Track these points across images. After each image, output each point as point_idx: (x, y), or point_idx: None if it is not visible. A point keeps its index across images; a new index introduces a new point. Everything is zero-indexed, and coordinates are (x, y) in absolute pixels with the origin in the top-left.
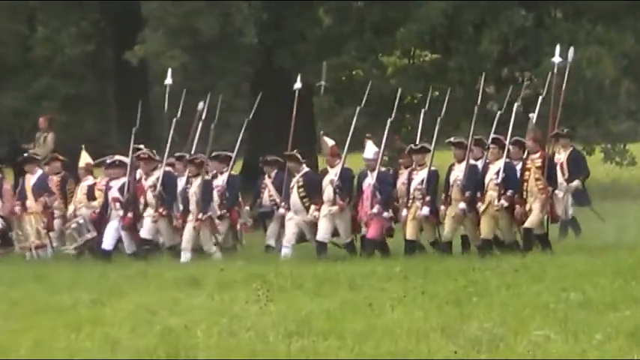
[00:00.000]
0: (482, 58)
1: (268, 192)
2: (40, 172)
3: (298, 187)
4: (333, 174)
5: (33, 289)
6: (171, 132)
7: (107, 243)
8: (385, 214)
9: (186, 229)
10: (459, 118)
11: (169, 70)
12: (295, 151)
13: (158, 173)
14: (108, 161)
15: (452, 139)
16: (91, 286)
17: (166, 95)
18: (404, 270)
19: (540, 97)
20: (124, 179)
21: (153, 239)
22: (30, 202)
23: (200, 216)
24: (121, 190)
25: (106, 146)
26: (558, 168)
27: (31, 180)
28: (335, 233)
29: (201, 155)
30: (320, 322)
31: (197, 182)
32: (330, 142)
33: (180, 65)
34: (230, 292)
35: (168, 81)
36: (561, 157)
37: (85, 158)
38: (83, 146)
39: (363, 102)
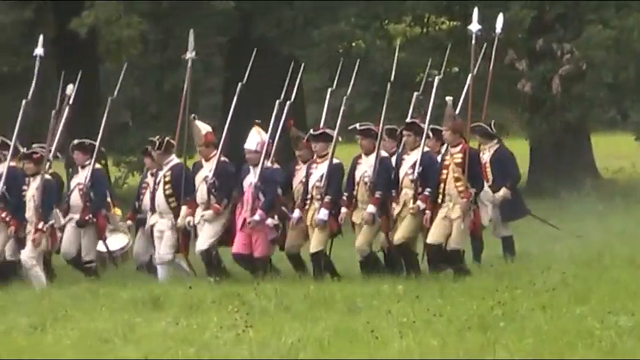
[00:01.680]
0: (511, 27)
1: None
2: None
3: (164, 184)
4: (208, 169)
5: None
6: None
7: None
8: (269, 221)
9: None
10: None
11: (41, 38)
12: (158, 137)
13: (1, 168)
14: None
15: (357, 125)
16: (28, 308)
17: (35, 70)
18: (414, 288)
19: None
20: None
21: None
22: None
23: (40, 225)
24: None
25: (44, 135)
26: None
27: None
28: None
29: (40, 149)
30: (311, 353)
31: (36, 183)
32: (203, 127)
33: (137, 35)
34: (199, 315)
35: (39, 51)
36: (485, 157)
37: None
38: None
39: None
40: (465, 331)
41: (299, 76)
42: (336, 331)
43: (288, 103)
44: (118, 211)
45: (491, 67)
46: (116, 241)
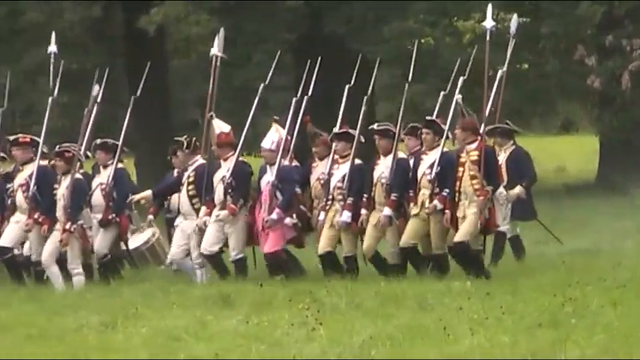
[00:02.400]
0: (581, 23)
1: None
2: None
3: (188, 184)
4: (225, 169)
5: (28, 310)
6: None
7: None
8: (288, 220)
9: (50, 239)
10: (554, 97)
11: (53, 36)
12: (185, 137)
13: (32, 168)
14: None
15: (375, 125)
16: (99, 306)
17: (51, 67)
18: (485, 285)
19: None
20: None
21: (13, 247)
22: None
23: (68, 226)
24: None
25: (114, 132)
26: None
27: None
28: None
29: (72, 147)
30: (382, 350)
31: (66, 182)
32: (222, 126)
33: (206, 32)
34: (270, 313)
35: (52, 48)
36: (500, 158)
37: None
38: None
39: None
40: (535, 328)
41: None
42: (407, 328)
43: (305, 98)
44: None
45: (505, 68)
46: (138, 238)
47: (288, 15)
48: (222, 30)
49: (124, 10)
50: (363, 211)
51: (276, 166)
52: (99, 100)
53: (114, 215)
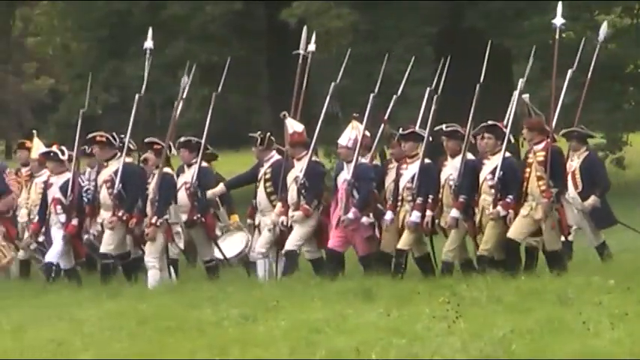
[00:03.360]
0: None
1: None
2: None
3: (265, 181)
4: (298, 169)
5: (167, 302)
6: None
7: (52, 254)
8: (364, 219)
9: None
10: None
11: (150, 31)
12: (259, 133)
13: (117, 165)
14: (40, 152)
15: (443, 126)
16: (239, 299)
17: (146, 63)
18: (625, 280)
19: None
20: (68, 175)
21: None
22: None
23: (154, 220)
24: (63, 188)
25: (254, 125)
26: (570, 178)
27: None
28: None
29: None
30: (522, 344)
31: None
32: (291, 127)
33: (347, 26)
34: (410, 306)
35: (149, 44)
36: (574, 163)
37: (38, 147)
38: (35, 132)
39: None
40: None
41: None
42: (547, 322)
43: (371, 95)
44: (235, 217)
45: (589, 74)
46: (232, 244)
47: (427, 9)
48: (305, 28)
49: (266, 3)
50: (429, 213)
51: (352, 164)
52: (185, 93)
53: (199, 215)
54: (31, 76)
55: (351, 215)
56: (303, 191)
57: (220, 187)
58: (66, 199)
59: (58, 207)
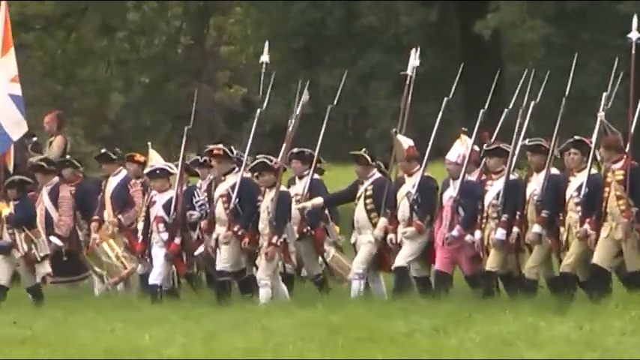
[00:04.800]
0: None
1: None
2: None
3: (365, 198)
4: (411, 185)
5: (358, 313)
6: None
7: (155, 275)
8: (468, 237)
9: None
10: None
11: (266, 45)
12: (363, 150)
13: (234, 179)
14: (147, 169)
15: (526, 141)
16: (431, 311)
17: (261, 77)
18: None
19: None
20: (171, 193)
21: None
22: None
23: (274, 240)
24: (166, 206)
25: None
26: None
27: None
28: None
29: (276, 160)
30: None
31: (271, 194)
32: (405, 142)
33: (541, 39)
34: (601, 320)
35: (265, 58)
36: None
37: (154, 159)
38: (150, 144)
39: None
40: None
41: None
42: None
43: (481, 111)
44: (336, 228)
45: None
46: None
47: (621, 21)
48: (413, 51)
49: (460, 14)
50: (515, 229)
51: (459, 181)
52: (301, 108)
53: (309, 228)
54: (224, 85)
55: (455, 233)
56: (415, 207)
57: (318, 200)
58: (169, 217)
59: (161, 225)
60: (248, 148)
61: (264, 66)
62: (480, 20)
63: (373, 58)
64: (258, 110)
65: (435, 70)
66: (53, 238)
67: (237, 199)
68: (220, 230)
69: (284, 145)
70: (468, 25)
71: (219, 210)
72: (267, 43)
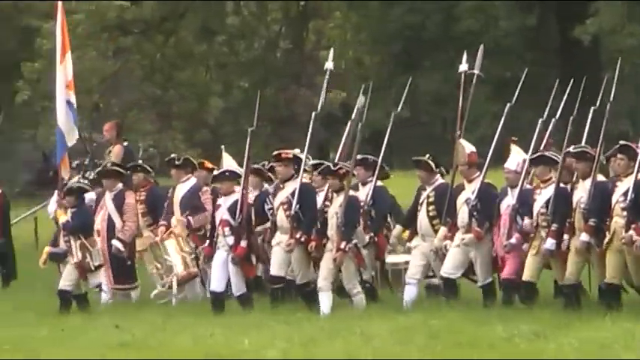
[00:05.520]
0: None
1: None
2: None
3: (428, 204)
4: (470, 191)
5: (457, 318)
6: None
7: (215, 282)
8: (525, 246)
9: (324, 261)
10: None
11: (331, 52)
12: (427, 156)
13: (293, 186)
14: (215, 172)
15: (571, 147)
16: (530, 316)
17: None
18: None
19: None
20: (237, 196)
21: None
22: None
23: (343, 245)
24: (232, 209)
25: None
26: None
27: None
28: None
29: (344, 164)
30: None
31: (339, 199)
32: (468, 147)
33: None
34: None
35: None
36: None
37: (227, 163)
38: (223, 147)
39: None
40: None
41: None
42: None
43: (553, 120)
44: (405, 234)
45: None
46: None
47: None
48: (481, 47)
49: (559, 19)
50: (566, 237)
51: (517, 189)
52: (357, 113)
53: (372, 235)
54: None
55: (513, 240)
56: (474, 214)
57: (397, 230)
58: (234, 220)
59: (226, 229)
60: (305, 152)
61: (327, 73)
62: (579, 25)
63: (470, 62)
64: (313, 114)
65: (535, 76)
66: (115, 242)
67: (298, 205)
68: (282, 238)
69: (354, 151)
70: (567, 30)
71: (281, 217)
72: (332, 50)
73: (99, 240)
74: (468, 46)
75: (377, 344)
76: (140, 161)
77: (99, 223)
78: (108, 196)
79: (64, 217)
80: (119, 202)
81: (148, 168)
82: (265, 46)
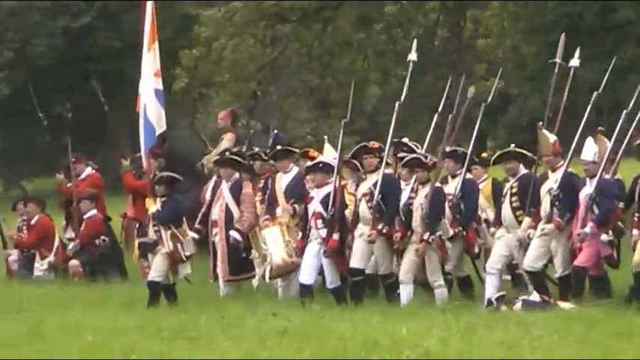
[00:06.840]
0: None
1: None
2: (295, 170)
3: (511, 195)
4: (553, 181)
5: (615, 307)
6: None
7: (305, 275)
8: (603, 236)
9: (407, 254)
10: None
11: (414, 43)
12: (513, 145)
13: (375, 177)
14: (309, 164)
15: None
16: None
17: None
18: None
19: None
20: (330, 188)
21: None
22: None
23: (426, 236)
24: (324, 202)
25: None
26: None
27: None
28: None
29: (431, 156)
30: None
31: (424, 191)
32: (551, 136)
33: None
34: None
35: (412, 56)
36: None
37: (330, 154)
38: (326, 137)
39: None
40: None
41: None
42: None
43: (624, 112)
44: None
45: None
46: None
47: None
48: (563, 36)
49: None
50: (635, 232)
51: (596, 179)
52: (455, 110)
53: (460, 229)
54: (480, 78)
55: (587, 229)
56: (556, 203)
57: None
58: (327, 212)
59: (319, 221)
60: (388, 144)
61: (410, 64)
62: None
63: (630, 52)
64: (397, 104)
65: None
66: (233, 233)
67: (380, 196)
68: (364, 229)
69: (443, 142)
70: None
71: (363, 209)
72: (415, 42)
73: (216, 230)
74: (626, 36)
75: (535, 333)
76: (256, 149)
77: (216, 213)
78: (225, 186)
79: (154, 207)
80: (236, 191)
81: (264, 156)
82: (423, 34)
